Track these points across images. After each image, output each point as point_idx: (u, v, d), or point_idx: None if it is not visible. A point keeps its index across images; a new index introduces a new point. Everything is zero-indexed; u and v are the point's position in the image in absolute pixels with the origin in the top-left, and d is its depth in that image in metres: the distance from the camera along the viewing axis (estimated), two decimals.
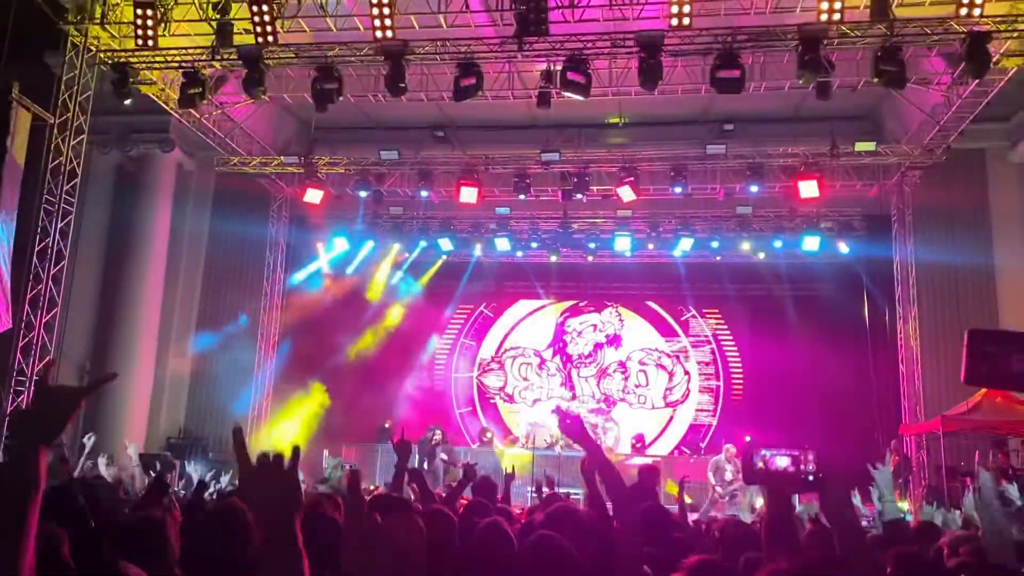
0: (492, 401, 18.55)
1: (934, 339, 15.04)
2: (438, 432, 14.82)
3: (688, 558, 2.78)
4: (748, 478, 2.17)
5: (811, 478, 2.08)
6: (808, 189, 14.06)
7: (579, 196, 15.44)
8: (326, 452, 14.87)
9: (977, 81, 11.59)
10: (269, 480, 1.65)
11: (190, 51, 12.42)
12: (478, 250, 17.57)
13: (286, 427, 16.41)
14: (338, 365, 17.16)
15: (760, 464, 2.12)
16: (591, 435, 3.33)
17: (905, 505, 12.50)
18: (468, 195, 15.01)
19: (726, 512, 11.93)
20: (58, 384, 1.71)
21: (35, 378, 11.35)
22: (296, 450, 1.73)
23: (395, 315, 18.07)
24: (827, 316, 16.17)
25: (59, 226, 12.26)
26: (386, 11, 10.91)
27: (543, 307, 18.87)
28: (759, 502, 11.68)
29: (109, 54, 12.60)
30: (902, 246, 15.77)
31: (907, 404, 15.16)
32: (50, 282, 12.10)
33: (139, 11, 11.69)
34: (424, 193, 15.89)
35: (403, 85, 11.63)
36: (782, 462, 2.10)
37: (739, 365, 17.67)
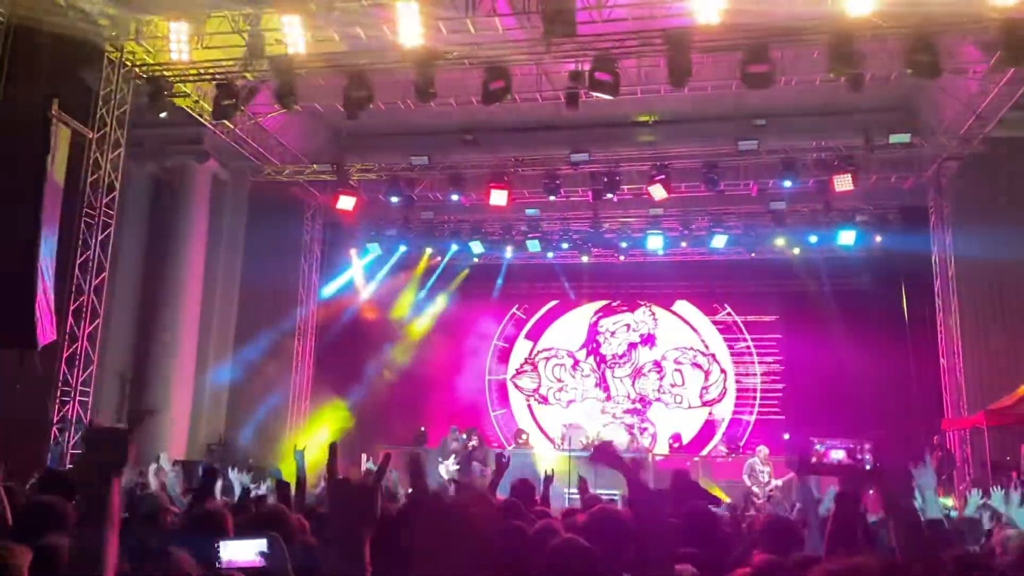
0: (526, 403, 18.55)
1: (975, 332, 14.78)
2: (475, 435, 14.88)
3: (755, 556, 2.77)
4: (803, 470, 2.16)
5: (868, 468, 2.06)
6: (843, 183, 13.90)
7: (610, 196, 15.40)
8: (364, 456, 14.99)
9: (1014, 69, 11.38)
10: (352, 499, 1.80)
11: (223, 63, 12.62)
12: (509, 252, 17.60)
13: (323, 430, 16.56)
14: (373, 369, 17.29)
15: (815, 458, 2.11)
16: (620, 456, 3.34)
17: (950, 502, 12.29)
18: (498, 198, 15.08)
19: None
20: (108, 425, 1.87)
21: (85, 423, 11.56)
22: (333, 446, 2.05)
23: (428, 319, 18.16)
24: (864, 311, 15.96)
25: (99, 239, 12.53)
26: (415, 18, 10.99)
27: (575, 308, 18.83)
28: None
29: (144, 68, 12.85)
30: (940, 238, 15.53)
31: (949, 398, 14.92)
32: (92, 294, 12.36)
33: (173, 25, 11.91)
34: (455, 197, 15.96)
35: (432, 91, 11.71)
36: (837, 454, 2.08)
37: (776, 362, 17.49)
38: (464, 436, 14.83)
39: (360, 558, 1.78)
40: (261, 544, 2.98)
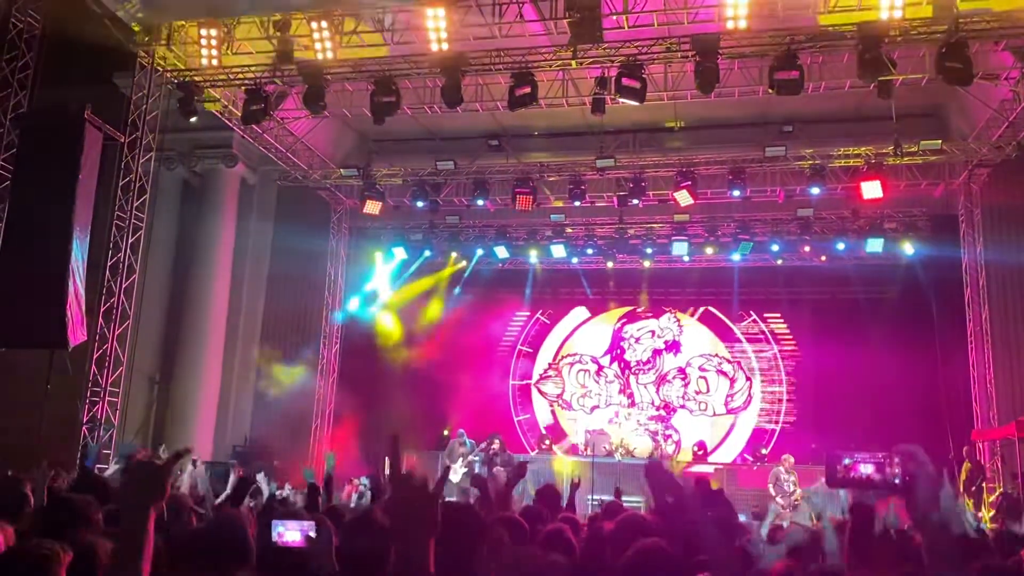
0: (550, 408, 18.52)
1: (1006, 341, 14.57)
2: (497, 440, 14.88)
3: (776, 565, 2.75)
4: (831, 484, 2.14)
5: (897, 482, 2.04)
6: (871, 190, 13.73)
7: (635, 201, 15.36)
8: (387, 459, 15.01)
9: None
10: (414, 503, 1.79)
11: (252, 68, 12.77)
12: (534, 257, 17.61)
13: (345, 435, 16.65)
14: (398, 373, 17.36)
15: (842, 471, 2.09)
16: (668, 476, 3.36)
17: (981, 514, 12.11)
18: (524, 202, 15.10)
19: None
20: (148, 460, 1.95)
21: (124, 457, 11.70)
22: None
23: (452, 323, 18.19)
24: (893, 319, 15.75)
25: (130, 241, 12.70)
26: (442, 24, 11.06)
27: (600, 313, 18.78)
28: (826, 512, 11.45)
29: (175, 74, 13.03)
30: (971, 246, 15.32)
31: (979, 409, 14.70)
32: (122, 296, 12.53)
33: (203, 31, 12.07)
34: (480, 202, 16.00)
35: (459, 96, 11.76)
36: (866, 468, 2.06)
37: (802, 370, 17.31)
38: (472, 441, 14.82)
39: (424, 560, 1.78)
40: (310, 527, 3.30)
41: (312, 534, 3.25)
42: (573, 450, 16.79)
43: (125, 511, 1.88)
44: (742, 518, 12.89)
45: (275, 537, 3.30)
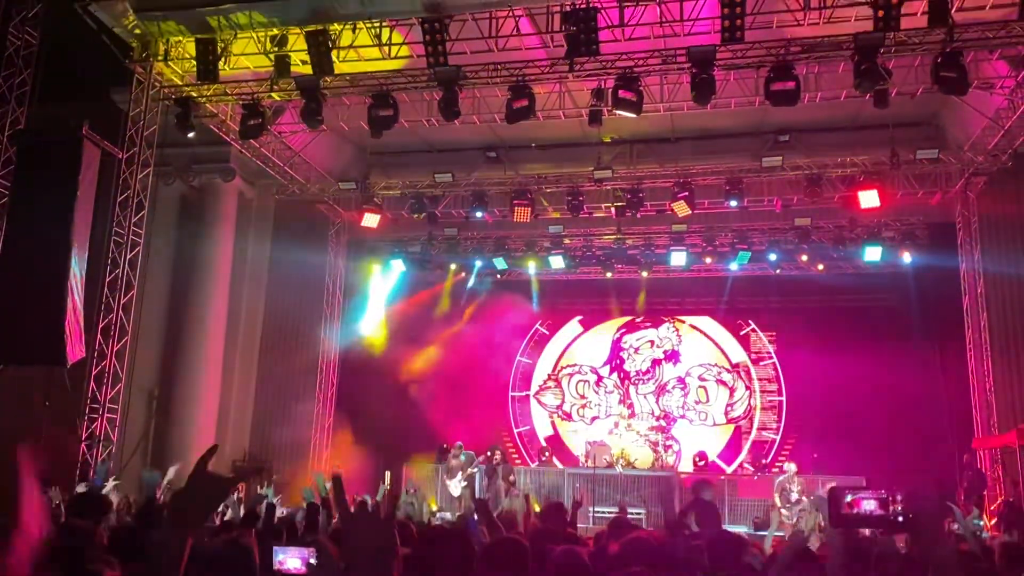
0: (550, 419, 18.48)
1: (1005, 349, 14.57)
2: (498, 452, 14.85)
3: None
4: (835, 522, 2.12)
5: (900, 519, 2.03)
6: (868, 199, 13.79)
7: (631, 213, 15.38)
8: (388, 473, 15.02)
9: None
10: (367, 529, 1.73)
11: (249, 83, 12.79)
12: (532, 269, 17.61)
13: (345, 449, 16.61)
14: (397, 385, 17.33)
15: (846, 508, 2.08)
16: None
17: (981, 523, 12.10)
18: (522, 214, 15.13)
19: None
20: (214, 473, 1.85)
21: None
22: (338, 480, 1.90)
23: (451, 335, 18.18)
24: (892, 328, 15.76)
25: (128, 256, 12.69)
26: (439, 38, 11.09)
27: (599, 324, 18.76)
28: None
29: (172, 89, 13.04)
30: (968, 255, 15.34)
31: (979, 417, 14.69)
32: (120, 311, 12.51)
33: (200, 46, 12.08)
34: (478, 214, 16.01)
35: (456, 109, 11.78)
36: (869, 505, 2.05)
37: (801, 379, 17.28)
38: (470, 453, 14.79)
39: None
40: (311, 554, 3.28)
41: (313, 560, 3.21)
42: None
43: (172, 533, 1.81)
44: (743, 529, 12.92)
45: (275, 565, 3.29)
